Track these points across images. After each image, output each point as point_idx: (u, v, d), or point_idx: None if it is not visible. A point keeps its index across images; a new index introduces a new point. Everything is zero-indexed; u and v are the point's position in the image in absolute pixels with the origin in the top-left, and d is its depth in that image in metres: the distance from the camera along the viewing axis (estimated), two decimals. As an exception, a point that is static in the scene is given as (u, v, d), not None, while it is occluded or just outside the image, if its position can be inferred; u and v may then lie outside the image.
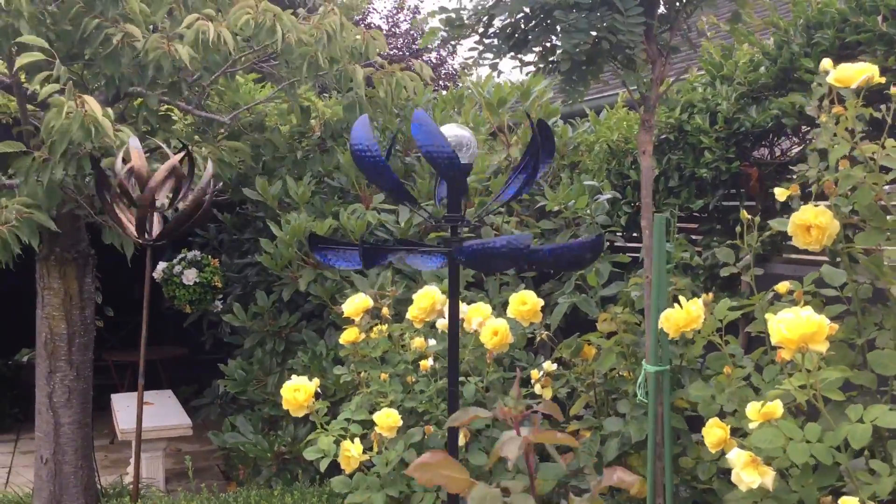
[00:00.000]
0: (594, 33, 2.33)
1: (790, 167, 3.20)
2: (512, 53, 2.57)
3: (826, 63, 2.34)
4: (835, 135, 2.28)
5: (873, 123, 2.34)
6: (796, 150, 3.57)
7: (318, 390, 3.98)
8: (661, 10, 2.59)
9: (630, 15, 2.29)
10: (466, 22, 2.55)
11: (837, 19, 3.12)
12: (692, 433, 2.79)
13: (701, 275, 3.56)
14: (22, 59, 3.44)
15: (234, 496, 3.72)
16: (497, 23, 2.52)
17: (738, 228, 2.65)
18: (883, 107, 2.26)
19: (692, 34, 2.71)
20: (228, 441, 4.59)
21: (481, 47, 2.56)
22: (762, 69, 3.47)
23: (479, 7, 2.47)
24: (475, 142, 2.28)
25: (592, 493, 1.81)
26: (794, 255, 3.53)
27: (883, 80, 2.24)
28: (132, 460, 4.07)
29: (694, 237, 3.81)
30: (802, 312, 2.02)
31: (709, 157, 3.53)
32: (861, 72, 2.21)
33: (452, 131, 2.26)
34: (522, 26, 2.50)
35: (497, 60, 2.58)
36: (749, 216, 2.59)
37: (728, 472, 2.61)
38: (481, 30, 2.54)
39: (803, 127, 3.43)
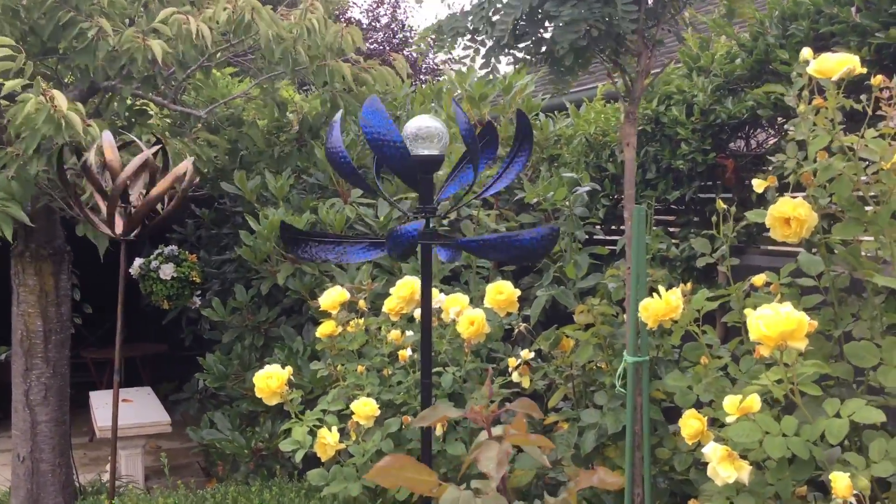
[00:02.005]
0: (588, 25, 2.34)
1: (768, 157, 3.21)
2: (506, 50, 2.57)
3: (806, 53, 2.33)
4: (814, 125, 2.28)
5: (851, 115, 2.34)
6: (772, 141, 3.58)
7: (295, 388, 3.99)
8: (649, 3, 2.58)
9: (625, 2, 2.30)
10: (470, 28, 2.54)
11: (812, 11, 3.13)
12: (669, 424, 2.80)
13: (678, 267, 3.57)
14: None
15: (212, 492, 3.70)
16: (497, 22, 2.52)
17: (713, 219, 2.65)
18: (863, 97, 2.26)
19: (679, 27, 2.72)
20: (206, 437, 4.56)
21: (476, 45, 2.56)
22: (738, 61, 3.48)
23: (480, 13, 2.46)
24: (447, 133, 2.26)
25: (568, 493, 1.79)
26: (770, 247, 3.55)
27: (864, 70, 2.24)
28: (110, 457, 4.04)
29: (671, 229, 3.82)
30: (782, 309, 2.02)
31: (685, 148, 3.53)
32: (842, 63, 2.20)
33: (424, 122, 2.24)
34: (520, 23, 2.50)
35: (492, 58, 2.58)
36: (724, 206, 2.59)
37: (705, 462, 2.63)
38: (481, 29, 2.52)
39: (779, 118, 3.44)
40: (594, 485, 1.81)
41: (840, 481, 1.85)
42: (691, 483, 2.71)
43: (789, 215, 2.26)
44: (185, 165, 3.05)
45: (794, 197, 2.32)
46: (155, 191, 2.95)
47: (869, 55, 2.87)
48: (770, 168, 3.27)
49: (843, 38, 2.99)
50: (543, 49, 2.51)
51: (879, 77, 2.17)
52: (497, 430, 1.76)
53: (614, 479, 1.81)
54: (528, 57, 2.59)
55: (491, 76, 2.62)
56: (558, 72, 2.49)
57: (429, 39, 2.62)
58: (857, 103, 2.23)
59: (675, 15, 2.66)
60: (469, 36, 2.54)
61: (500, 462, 1.66)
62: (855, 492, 1.86)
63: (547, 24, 2.41)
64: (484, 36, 2.49)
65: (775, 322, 1.99)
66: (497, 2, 2.42)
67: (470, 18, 2.49)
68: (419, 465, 1.72)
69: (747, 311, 2.12)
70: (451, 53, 2.74)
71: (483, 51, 2.54)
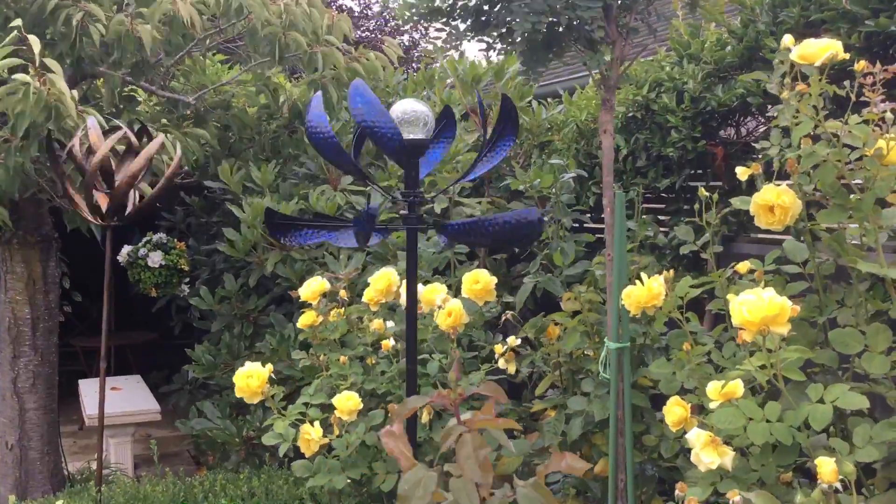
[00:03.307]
0: (553, 18, 2.32)
1: (754, 144, 3.20)
2: (476, 36, 2.56)
3: (788, 40, 2.32)
4: (797, 112, 2.27)
5: (837, 102, 2.33)
6: (762, 129, 3.58)
7: (287, 374, 3.97)
8: None
9: None
10: (437, 5, 2.53)
11: (802, -3, 3.11)
12: (656, 411, 2.79)
13: (668, 255, 3.56)
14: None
15: (200, 480, 3.69)
16: (461, 4, 2.51)
17: (696, 206, 2.64)
18: (847, 83, 2.25)
19: (652, 18, 2.70)
20: (196, 427, 4.55)
21: (448, 28, 2.55)
22: (728, 48, 3.47)
23: None
24: (433, 117, 2.25)
25: (537, 477, 1.79)
26: (760, 235, 3.54)
27: (847, 56, 2.22)
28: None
29: (661, 217, 3.81)
30: (764, 294, 2.01)
31: (675, 136, 3.52)
32: (825, 48, 2.19)
33: (409, 106, 2.22)
34: (485, 7, 2.49)
35: (459, 42, 2.57)
36: (707, 193, 2.58)
37: (691, 449, 2.63)
38: (448, 8, 2.52)
39: (769, 106, 3.43)
40: (562, 469, 1.84)
41: (826, 466, 1.85)
42: (679, 470, 2.71)
43: (773, 203, 2.25)
44: (157, 143, 3.01)
45: (779, 184, 2.31)
46: (128, 170, 2.92)
47: (858, 42, 2.86)
48: (759, 156, 3.27)
49: (833, 25, 2.97)
50: (511, 39, 2.49)
51: (863, 63, 2.15)
52: (466, 415, 1.78)
53: (582, 465, 1.84)
54: (503, 46, 2.58)
55: (459, 58, 2.60)
56: (529, 60, 2.48)
57: (405, 13, 2.58)
58: (841, 89, 2.21)
59: (648, 6, 2.65)
60: (444, 18, 2.52)
61: (478, 459, 1.67)
62: (841, 477, 1.86)
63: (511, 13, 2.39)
64: (452, 17, 2.48)
65: (758, 307, 1.98)
66: None
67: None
68: (408, 445, 1.80)
69: (730, 296, 2.11)
70: (417, 30, 2.73)
71: (447, 30, 2.52)
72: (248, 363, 2.88)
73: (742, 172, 2.44)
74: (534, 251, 3.62)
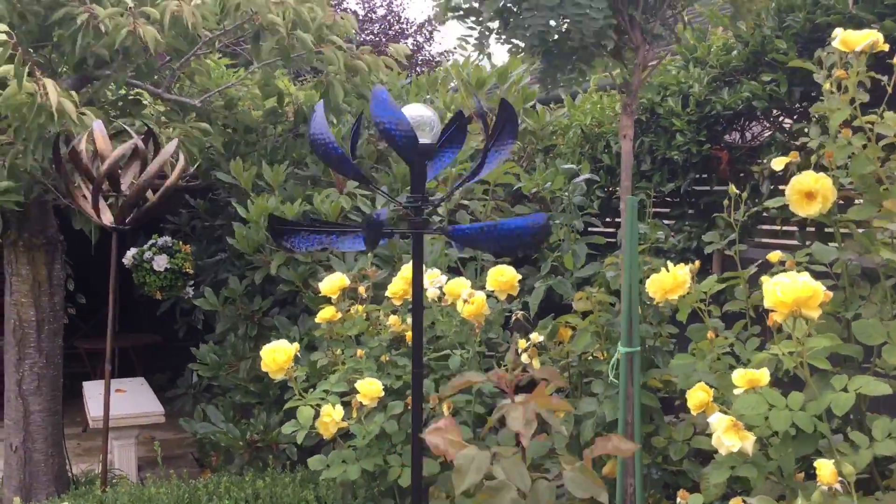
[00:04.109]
0: (566, 26, 2.34)
1: (768, 145, 3.19)
2: (503, 38, 2.58)
3: (838, 31, 2.35)
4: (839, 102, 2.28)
5: (875, 99, 2.34)
6: (767, 134, 3.57)
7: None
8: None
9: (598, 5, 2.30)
10: (465, 7, 2.55)
11: (808, 2, 3.13)
12: (665, 415, 2.80)
13: (673, 258, 3.56)
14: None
15: (205, 483, 3.69)
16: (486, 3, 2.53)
17: (706, 208, 2.65)
18: (885, 77, 2.27)
19: (676, 24, 2.72)
20: (200, 431, 4.55)
21: (478, 28, 2.57)
22: (734, 52, 3.47)
23: None
24: (438, 122, 2.25)
25: (585, 460, 1.80)
26: (764, 240, 3.55)
27: (886, 47, 2.26)
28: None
29: (666, 221, 3.82)
30: (799, 277, 2.04)
31: (680, 140, 3.52)
32: (865, 36, 2.24)
33: (416, 111, 2.23)
34: (514, 9, 2.50)
35: (487, 43, 2.59)
36: (737, 191, 2.64)
37: (699, 452, 2.63)
38: (479, 7, 2.53)
39: (774, 110, 3.44)
40: (609, 451, 1.85)
41: (825, 468, 1.86)
42: (685, 474, 2.71)
43: (812, 188, 2.26)
44: (172, 147, 3.02)
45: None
46: (144, 176, 2.93)
47: (865, 46, 2.87)
48: (764, 160, 3.27)
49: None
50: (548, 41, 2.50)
51: None
52: (519, 398, 1.79)
53: (629, 446, 1.86)
54: (524, 45, 2.58)
55: (485, 61, 2.62)
56: (550, 67, 2.49)
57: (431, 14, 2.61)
58: (880, 80, 2.24)
59: (676, 14, 2.66)
60: (473, 18, 2.54)
61: (528, 421, 1.71)
62: (840, 479, 1.87)
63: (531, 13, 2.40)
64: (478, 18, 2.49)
65: (791, 288, 2.00)
66: None
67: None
68: (459, 432, 1.83)
69: (764, 278, 2.13)
70: (431, 43, 2.76)
71: (478, 32, 2.54)
72: (274, 341, 2.90)
73: (778, 162, 2.45)
74: (539, 255, 3.63)
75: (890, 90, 2.22)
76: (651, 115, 3.71)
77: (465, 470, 1.70)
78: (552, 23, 2.36)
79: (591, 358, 2.97)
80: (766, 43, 3.27)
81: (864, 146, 2.23)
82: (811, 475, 2.19)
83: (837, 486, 1.84)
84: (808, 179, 2.27)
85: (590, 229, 3.99)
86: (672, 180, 3.65)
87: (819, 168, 2.37)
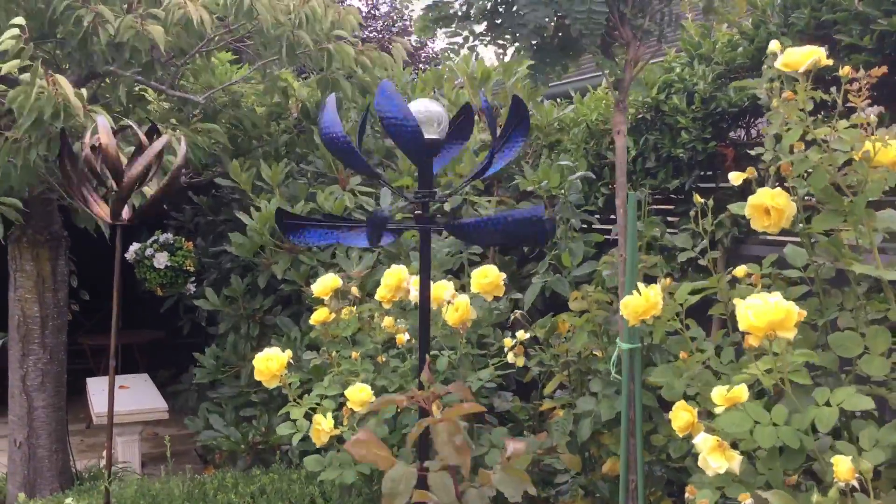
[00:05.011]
0: (563, 16, 2.33)
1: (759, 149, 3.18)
2: (490, 38, 2.57)
3: (774, 46, 2.32)
4: (787, 119, 2.26)
5: (824, 106, 2.33)
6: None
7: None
8: None
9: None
10: (451, 12, 2.55)
11: (814, -2, 3.11)
12: (664, 411, 2.79)
13: (677, 255, 3.55)
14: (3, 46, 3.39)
15: (211, 478, 3.70)
16: (476, 6, 2.52)
17: (691, 213, 2.64)
18: (833, 88, 2.25)
19: (665, 21, 2.71)
20: (203, 438, 4.57)
21: (465, 32, 2.57)
22: (740, 49, 3.46)
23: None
24: (447, 117, 2.25)
25: (506, 462, 1.84)
26: (769, 237, 3.53)
27: (831, 62, 2.23)
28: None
29: (670, 218, 3.81)
30: (771, 299, 2.00)
31: (685, 137, 3.52)
32: (808, 55, 2.20)
33: (425, 106, 2.22)
34: (501, 9, 2.50)
35: (476, 44, 2.59)
36: (702, 200, 2.59)
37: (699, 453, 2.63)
38: (462, 12, 2.53)
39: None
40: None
41: (842, 464, 1.84)
42: (688, 471, 2.70)
43: (767, 205, 2.25)
44: (162, 141, 3.02)
45: (775, 188, 2.31)
46: (135, 169, 2.93)
47: (871, 43, 2.86)
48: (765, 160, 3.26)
49: (844, 26, 2.97)
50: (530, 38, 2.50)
51: (847, 68, 2.17)
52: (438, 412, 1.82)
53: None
54: (511, 45, 2.59)
55: (465, 58, 2.61)
56: (541, 63, 2.49)
57: (425, 24, 2.61)
58: (828, 95, 2.22)
59: (663, 8, 2.65)
60: (456, 22, 2.53)
61: (458, 448, 1.71)
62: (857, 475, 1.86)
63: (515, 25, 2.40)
64: (466, 21, 2.49)
65: (764, 311, 1.97)
66: None
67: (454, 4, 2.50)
68: (382, 444, 1.87)
69: (736, 300, 2.10)
70: (434, 39, 2.76)
71: (466, 35, 2.54)
72: (266, 349, 2.91)
73: (735, 177, 2.44)
74: (543, 251, 3.62)
75: (841, 103, 2.19)
76: (656, 112, 3.70)
77: (395, 492, 1.75)
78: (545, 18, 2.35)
79: (590, 355, 2.96)
80: (771, 39, 3.26)
81: (820, 159, 2.20)
82: (807, 475, 2.19)
83: (854, 482, 1.83)
84: (764, 197, 2.25)
85: (593, 227, 3.99)
86: (677, 177, 3.64)
87: (778, 179, 2.36)
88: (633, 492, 2.62)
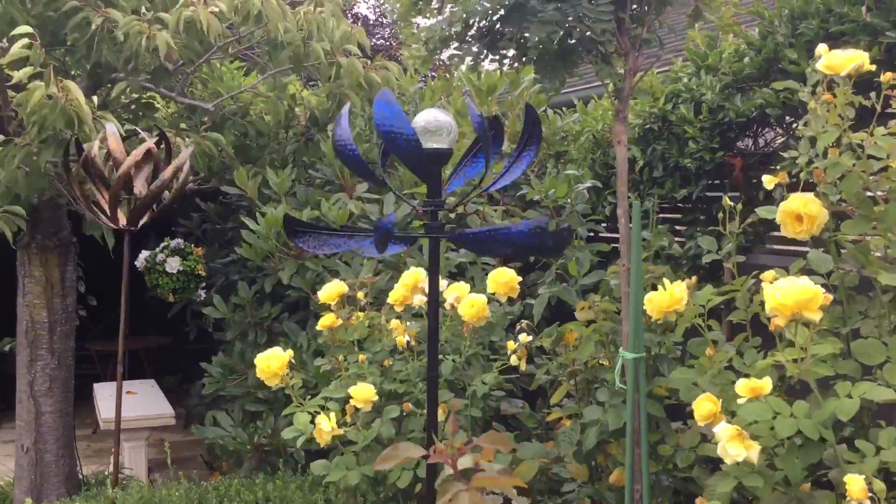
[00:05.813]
0: (566, 25, 2.34)
1: (780, 154, 3.20)
2: (490, 54, 2.59)
3: (821, 49, 2.33)
4: (826, 122, 2.27)
5: (862, 113, 2.33)
6: (780, 140, 3.57)
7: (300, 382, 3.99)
8: (634, 6, 2.59)
9: (599, 4, 2.31)
10: (446, 34, 2.56)
11: (822, 9, 3.11)
12: (672, 422, 2.79)
13: (684, 265, 3.56)
14: (12, 54, 3.41)
15: (216, 485, 3.70)
16: (474, 26, 2.54)
17: (719, 216, 2.65)
18: (872, 94, 2.26)
19: (662, 30, 2.72)
20: (209, 436, 4.57)
21: (462, 52, 2.58)
22: (746, 59, 3.47)
23: (455, 14, 2.48)
24: (456, 127, 2.26)
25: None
26: (776, 246, 3.54)
27: (873, 67, 2.24)
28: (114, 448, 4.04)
29: (678, 227, 3.81)
30: (798, 280, 2.04)
31: (693, 146, 3.52)
32: (851, 59, 2.21)
33: (433, 116, 2.23)
34: (498, 26, 2.51)
35: (477, 62, 2.60)
36: (731, 203, 2.60)
37: (707, 459, 2.62)
38: (458, 31, 2.54)
39: (787, 117, 3.43)
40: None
41: (855, 483, 1.85)
42: (695, 481, 2.70)
43: (800, 211, 2.26)
44: (186, 155, 3.05)
45: (804, 195, 2.32)
46: (158, 182, 2.96)
47: (879, 55, 2.86)
48: (778, 167, 3.27)
49: (853, 37, 2.97)
50: (527, 54, 2.51)
51: (889, 74, 2.17)
52: (465, 461, 1.68)
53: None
54: (519, 60, 2.60)
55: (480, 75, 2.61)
56: (544, 74, 2.50)
57: (413, 49, 2.63)
58: (867, 100, 2.22)
59: (656, 18, 2.66)
60: (456, 43, 2.55)
61: None
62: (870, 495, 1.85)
63: (525, 24, 2.41)
64: (464, 41, 2.51)
65: (791, 291, 2.00)
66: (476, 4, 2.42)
67: (451, 26, 2.51)
68: (413, 445, 1.76)
69: (764, 283, 2.12)
70: (435, 61, 2.76)
71: (461, 52, 2.56)
72: (268, 349, 2.93)
73: (769, 181, 2.44)
74: (548, 261, 3.63)
75: (879, 109, 2.20)
76: (663, 122, 3.71)
77: None
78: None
79: (597, 364, 2.97)
80: (779, 50, 3.27)
81: (854, 164, 2.20)
82: (818, 484, 2.19)
83: (867, 502, 1.83)
84: (796, 203, 2.27)
85: (599, 235, 3.99)
86: (684, 187, 3.65)
87: (807, 186, 2.36)
88: (637, 501, 2.61)
